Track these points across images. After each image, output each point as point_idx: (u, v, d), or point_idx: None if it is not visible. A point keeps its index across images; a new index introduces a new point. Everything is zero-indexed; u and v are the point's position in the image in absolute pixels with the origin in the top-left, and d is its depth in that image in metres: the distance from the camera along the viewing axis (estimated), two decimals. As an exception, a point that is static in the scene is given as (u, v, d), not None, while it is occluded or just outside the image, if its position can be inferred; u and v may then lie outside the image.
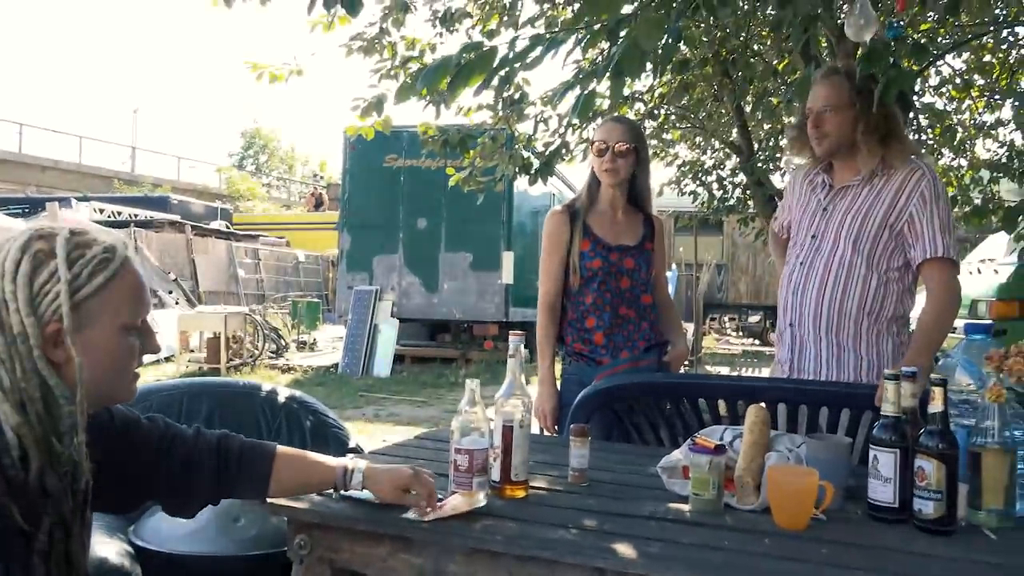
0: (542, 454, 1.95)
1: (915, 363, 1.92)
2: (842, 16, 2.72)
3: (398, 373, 10.42)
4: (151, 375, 9.01)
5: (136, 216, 18.30)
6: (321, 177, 39.97)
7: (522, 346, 1.71)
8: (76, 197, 19.24)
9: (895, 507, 1.53)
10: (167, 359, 9.80)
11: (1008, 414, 1.53)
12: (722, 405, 2.40)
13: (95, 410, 1.29)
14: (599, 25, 2.15)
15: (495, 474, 1.65)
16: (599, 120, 4.71)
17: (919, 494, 1.50)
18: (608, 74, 2.08)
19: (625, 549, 1.38)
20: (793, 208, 2.63)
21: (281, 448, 1.57)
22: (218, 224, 21.41)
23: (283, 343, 11.93)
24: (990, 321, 7.01)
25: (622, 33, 2.07)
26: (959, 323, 2.10)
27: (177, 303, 13.46)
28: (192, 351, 10.68)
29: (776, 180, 6.21)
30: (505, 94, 3.96)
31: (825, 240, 2.43)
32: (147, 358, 1.33)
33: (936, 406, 1.50)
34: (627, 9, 2.32)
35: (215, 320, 10.19)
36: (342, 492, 1.58)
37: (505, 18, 4.41)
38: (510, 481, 1.65)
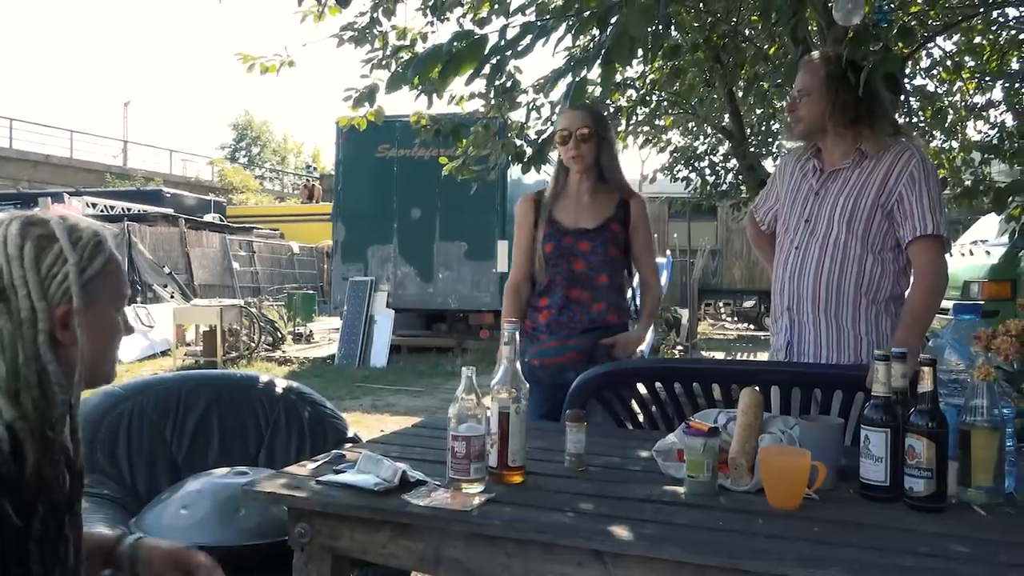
0: (539, 440, 1.96)
1: (905, 344, 1.94)
2: (831, 1, 2.72)
3: (395, 363, 10.43)
4: (147, 369, 9.01)
5: (129, 210, 18.24)
6: (314, 168, 39.85)
7: (516, 333, 1.73)
8: (68, 192, 19.17)
9: (886, 486, 1.55)
10: (163, 353, 9.79)
11: (996, 392, 1.55)
12: (716, 390, 2.42)
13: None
14: (588, 12, 2.16)
15: (492, 460, 1.66)
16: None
17: (910, 472, 1.52)
18: (598, 61, 2.09)
19: (621, 531, 1.40)
20: (781, 195, 2.63)
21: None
22: (212, 217, 21.35)
23: (279, 335, 11.94)
24: (981, 302, 7.04)
25: (612, 20, 2.08)
26: (948, 304, 2.12)
27: (172, 297, 13.44)
28: (188, 344, 10.68)
29: (768, 165, 6.22)
30: (497, 82, 3.96)
31: (819, 223, 2.44)
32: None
33: (925, 386, 1.52)
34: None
35: (210, 313, 10.18)
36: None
37: (496, 6, 4.39)
38: (507, 467, 1.67)
